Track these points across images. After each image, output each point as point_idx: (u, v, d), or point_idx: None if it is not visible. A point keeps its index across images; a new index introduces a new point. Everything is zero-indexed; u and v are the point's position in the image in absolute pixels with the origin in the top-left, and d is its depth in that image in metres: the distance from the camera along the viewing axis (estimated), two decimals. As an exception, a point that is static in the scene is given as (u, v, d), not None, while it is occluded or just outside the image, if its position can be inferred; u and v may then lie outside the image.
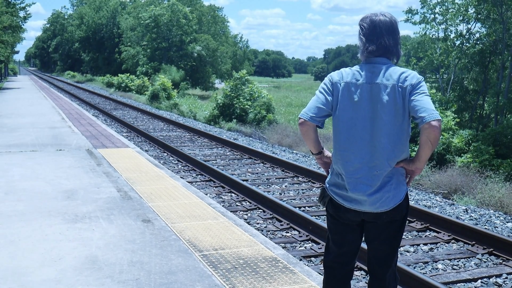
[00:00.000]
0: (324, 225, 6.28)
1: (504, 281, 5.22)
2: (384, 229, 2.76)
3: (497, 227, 7.06)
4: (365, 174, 2.66)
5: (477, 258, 5.79)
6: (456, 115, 13.67)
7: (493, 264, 5.69)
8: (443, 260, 5.71)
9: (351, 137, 2.67)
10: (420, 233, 6.68)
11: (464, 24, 20.04)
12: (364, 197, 2.66)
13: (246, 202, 7.91)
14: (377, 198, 2.66)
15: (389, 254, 2.83)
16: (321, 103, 2.70)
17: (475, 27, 19.87)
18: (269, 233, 6.51)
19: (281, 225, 6.79)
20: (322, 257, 3.03)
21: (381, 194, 2.65)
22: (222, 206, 7.29)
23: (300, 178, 9.77)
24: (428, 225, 6.81)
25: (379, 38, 2.68)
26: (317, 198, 2.97)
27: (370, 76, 2.66)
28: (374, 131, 2.62)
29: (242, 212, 7.42)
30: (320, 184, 9.17)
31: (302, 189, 8.93)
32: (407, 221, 7.07)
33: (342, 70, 2.77)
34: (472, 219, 7.39)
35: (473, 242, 6.15)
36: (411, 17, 20.70)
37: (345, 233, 2.83)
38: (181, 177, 9.13)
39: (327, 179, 2.85)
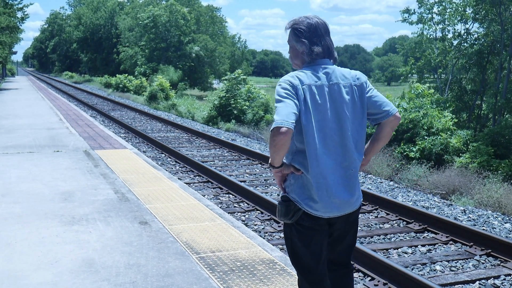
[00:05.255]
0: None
1: (502, 283, 5.21)
2: (354, 223, 2.82)
3: (495, 228, 7.05)
4: (342, 175, 2.65)
5: (475, 260, 5.79)
6: (454, 115, 13.66)
7: (491, 265, 5.68)
8: (441, 261, 5.70)
9: (322, 140, 2.62)
10: (418, 234, 6.67)
11: (462, 24, 20.06)
12: (344, 200, 2.65)
13: (244, 204, 7.90)
14: (355, 197, 2.70)
15: (355, 242, 2.92)
16: (294, 109, 2.55)
17: (473, 27, 19.89)
18: (266, 234, 6.49)
19: (279, 226, 6.77)
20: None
21: (357, 193, 2.72)
22: (220, 207, 7.28)
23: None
24: (426, 226, 6.80)
25: (322, 40, 2.71)
26: (281, 216, 2.70)
27: (326, 77, 2.67)
28: (341, 131, 2.64)
29: (240, 213, 7.40)
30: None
31: (300, 190, 8.90)
32: (405, 222, 7.07)
33: (295, 74, 2.67)
34: (470, 220, 7.39)
35: (471, 243, 6.15)
36: (408, 17, 20.71)
37: (322, 240, 2.73)
38: (178, 179, 9.11)
39: (293, 193, 2.67)
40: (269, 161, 2.67)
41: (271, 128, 2.49)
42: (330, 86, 2.66)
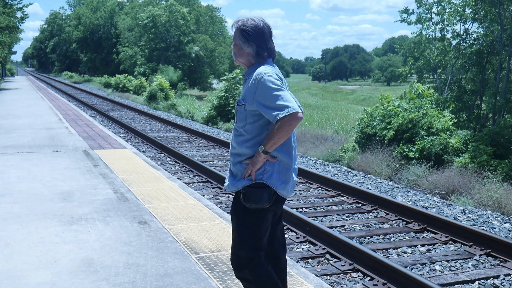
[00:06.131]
0: (322, 226, 6.27)
1: (502, 283, 5.21)
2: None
3: (494, 228, 7.05)
4: (295, 159, 3.02)
5: (475, 259, 5.78)
6: (453, 115, 13.64)
7: (491, 265, 5.68)
8: (441, 261, 5.70)
9: None
10: (417, 234, 6.67)
11: (461, 24, 20.05)
12: (296, 180, 3.03)
13: (243, 203, 7.88)
14: None
15: None
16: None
17: (472, 27, 19.88)
18: (266, 234, 6.48)
19: (279, 226, 6.76)
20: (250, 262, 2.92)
21: None
22: (219, 207, 7.27)
23: (297, 179, 9.74)
24: (425, 226, 6.80)
25: (268, 43, 2.95)
26: (259, 202, 2.85)
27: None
28: None
29: (239, 213, 7.39)
30: (317, 185, 9.16)
31: (300, 190, 8.91)
32: (405, 222, 7.07)
33: (270, 68, 2.88)
34: (469, 220, 7.39)
35: (471, 243, 6.15)
36: (407, 17, 20.69)
37: (271, 221, 2.99)
38: (178, 178, 9.11)
39: (271, 179, 2.85)
40: (264, 148, 2.79)
41: (287, 113, 2.68)
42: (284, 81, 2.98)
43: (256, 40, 2.90)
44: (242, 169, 2.88)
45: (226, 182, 2.98)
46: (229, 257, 4.22)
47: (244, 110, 2.87)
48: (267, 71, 2.81)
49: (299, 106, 3.01)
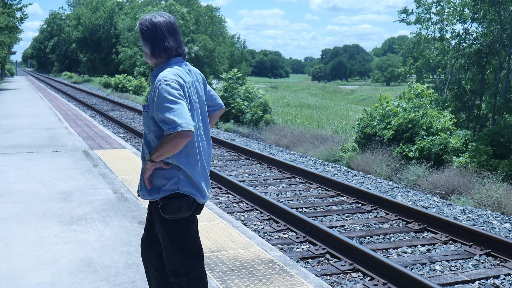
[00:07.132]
0: (322, 226, 6.26)
1: (502, 282, 5.20)
2: None
3: (494, 228, 7.05)
4: (208, 162, 2.85)
5: (475, 259, 5.78)
6: (453, 115, 13.63)
7: (491, 265, 5.68)
8: (441, 261, 5.70)
9: (200, 135, 2.77)
10: (417, 234, 6.66)
11: (461, 24, 20.05)
12: (209, 183, 2.89)
13: (243, 203, 7.88)
14: None
15: None
16: (188, 110, 2.59)
17: (471, 27, 19.88)
18: (266, 234, 6.48)
19: (278, 226, 6.76)
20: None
21: None
22: (219, 207, 7.27)
23: (297, 179, 9.74)
24: (425, 226, 6.79)
25: (165, 42, 2.69)
26: (178, 213, 2.69)
27: (190, 74, 2.78)
28: (204, 124, 2.83)
29: (239, 213, 7.39)
30: (317, 185, 9.15)
31: (299, 190, 8.90)
32: (405, 222, 7.06)
33: (174, 72, 2.66)
34: (469, 220, 7.38)
35: (471, 243, 6.14)
36: (406, 17, 20.69)
37: (197, 222, 2.90)
38: (178, 178, 9.09)
39: (186, 187, 2.70)
40: (150, 157, 2.64)
41: (173, 131, 2.48)
42: (195, 82, 2.80)
43: (150, 38, 2.68)
44: (154, 177, 2.71)
45: (139, 189, 2.81)
46: (229, 257, 4.21)
47: (147, 117, 2.67)
48: (166, 78, 2.58)
49: (211, 107, 2.94)
